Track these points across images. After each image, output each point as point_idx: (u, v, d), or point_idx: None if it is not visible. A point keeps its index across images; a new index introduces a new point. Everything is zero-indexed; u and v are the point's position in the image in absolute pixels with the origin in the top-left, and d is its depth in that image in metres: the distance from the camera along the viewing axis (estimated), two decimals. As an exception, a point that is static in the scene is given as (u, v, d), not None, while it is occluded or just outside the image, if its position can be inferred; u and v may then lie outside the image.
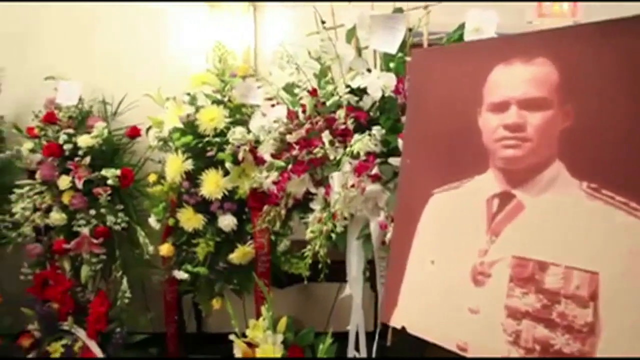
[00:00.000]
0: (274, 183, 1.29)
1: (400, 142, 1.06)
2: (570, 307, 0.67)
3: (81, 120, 1.84)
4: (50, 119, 1.80)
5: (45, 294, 1.75)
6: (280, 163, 1.28)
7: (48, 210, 1.77)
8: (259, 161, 1.46)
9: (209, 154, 1.50)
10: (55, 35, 2.07)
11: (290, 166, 1.25)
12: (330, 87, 1.27)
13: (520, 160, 0.77)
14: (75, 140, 1.73)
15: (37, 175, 1.77)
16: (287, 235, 1.60)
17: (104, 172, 1.73)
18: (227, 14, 1.99)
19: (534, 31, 0.77)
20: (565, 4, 1.83)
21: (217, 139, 1.48)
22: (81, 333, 1.64)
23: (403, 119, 1.15)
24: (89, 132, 1.77)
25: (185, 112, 1.53)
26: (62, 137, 1.73)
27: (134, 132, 1.83)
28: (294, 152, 1.26)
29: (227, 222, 1.52)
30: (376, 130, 1.14)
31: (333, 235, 1.23)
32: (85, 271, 1.76)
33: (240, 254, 1.52)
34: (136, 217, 1.82)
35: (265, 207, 1.31)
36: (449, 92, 0.90)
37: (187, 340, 2.00)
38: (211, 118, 1.50)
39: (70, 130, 1.76)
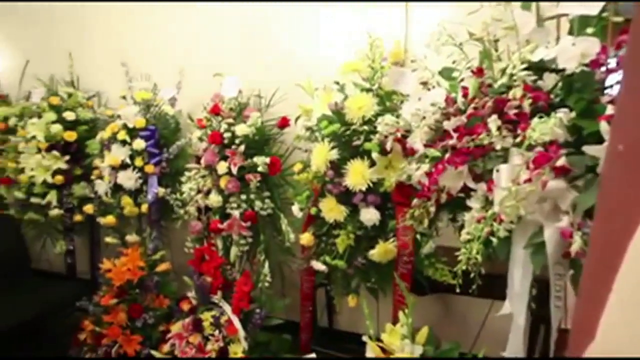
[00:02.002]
0: (426, 175, 1.15)
1: (603, 126, 0.82)
2: None
3: (239, 112, 2.00)
4: (215, 110, 1.99)
5: (202, 267, 1.94)
6: (435, 152, 1.14)
7: (208, 192, 1.97)
8: (407, 152, 1.34)
9: (356, 143, 1.44)
10: (222, 36, 2.31)
11: (447, 156, 1.10)
12: (500, 65, 1.08)
13: None
14: (234, 129, 1.87)
15: (202, 161, 1.98)
16: (432, 236, 1.44)
17: (255, 159, 1.84)
18: (378, 6, 1.93)
19: None
20: None
21: (365, 127, 1.41)
22: (227, 308, 1.75)
23: (603, 98, 0.91)
24: (245, 122, 1.91)
25: (334, 99, 1.50)
26: (223, 126, 1.89)
27: (283, 123, 1.90)
28: (451, 141, 1.10)
29: (369, 215, 1.44)
30: (563, 114, 0.91)
31: (494, 240, 1.03)
32: (234, 251, 1.89)
33: (381, 251, 1.42)
34: (280, 204, 1.89)
35: (415, 201, 1.18)
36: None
37: (317, 333, 2.00)
38: (360, 106, 1.44)
39: (230, 120, 1.92)
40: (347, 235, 1.46)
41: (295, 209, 1.67)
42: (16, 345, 2.19)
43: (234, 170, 1.85)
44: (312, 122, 1.59)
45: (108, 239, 2.25)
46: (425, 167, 1.18)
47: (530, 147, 0.96)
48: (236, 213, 1.84)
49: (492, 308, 1.62)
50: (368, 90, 1.52)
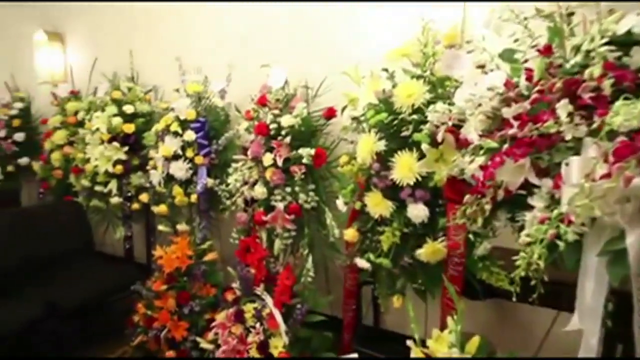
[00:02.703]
0: (481, 168, 1.03)
1: None
2: None
3: (286, 103, 1.96)
4: (261, 101, 1.97)
5: (247, 258, 1.95)
6: (491, 144, 1.01)
7: (254, 184, 1.96)
8: (461, 143, 1.21)
9: (404, 133, 1.34)
10: (270, 27, 2.29)
11: (505, 147, 0.97)
12: (573, 41, 0.93)
13: None
14: (279, 120, 1.84)
15: (249, 152, 1.97)
16: (488, 236, 1.31)
17: (300, 151, 1.79)
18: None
19: None
20: None
21: (415, 117, 1.31)
22: (269, 301, 1.73)
23: None
24: (291, 113, 1.86)
25: (381, 86, 1.41)
26: (269, 117, 1.87)
27: (330, 113, 1.83)
28: (511, 131, 0.97)
29: (417, 212, 1.33)
30: (656, 95, 0.76)
31: (560, 245, 0.89)
32: (277, 244, 1.87)
33: (429, 251, 1.31)
34: (325, 198, 1.83)
35: (467, 197, 1.07)
36: None
37: (362, 332, 1.92)
38: (409, 94, 1.34)
39: (276, 111, 1.88)
40: (392, 233, 1.37)
41: (339, 203, 1.60)
42: (80, 323, 2.36)
43: (279, 162, 1.82)
44: (358, 112, 1.51)
45: (160, 227, 2.33)
46: (480, 159, 1.06)
47: (611, 136, 0.81)
48: (280, 205, 1.81)
49: (557, 319, 1.45)
50: (419, 77, 1.41)
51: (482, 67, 1.14)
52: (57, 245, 2.45)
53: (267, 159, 1.84)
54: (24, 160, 3.37)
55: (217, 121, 2.29)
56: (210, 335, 1.86)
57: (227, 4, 2.44)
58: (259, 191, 1.86)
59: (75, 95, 3.10)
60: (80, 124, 2.82)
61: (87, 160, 2.63)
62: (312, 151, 1.76)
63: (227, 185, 2.03)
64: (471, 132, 1.12)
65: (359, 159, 1.46)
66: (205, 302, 2.03)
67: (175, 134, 2.25)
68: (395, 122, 1.36)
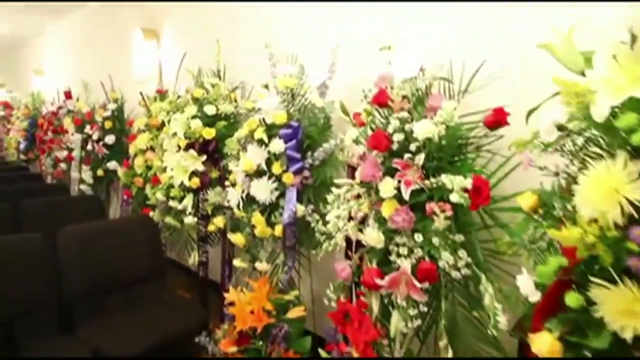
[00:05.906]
0: None
1: None
2: None
3: (418, 101, 1.29)
4: (380, 99, 1.32)
5: (346, 329, 1.32)
6: None
7: (362, 221, 1.32)
8: None
9: None
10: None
11: None
12: None
13: None
14: (410, 128, 1.18)
15: (357, 174, 1.34)
16: None
17: (443, 178, 1.10)
18: None
19: None
20: None
21: None
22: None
23: None
24: (426, 117, 1.19)
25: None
26: (393, 123, 1.22)
27: (498, 119, 1.11)
28: None
29: None
30: None
31: None
32: (396, 321, 1.20)
33: None
34: (483, 258, 1.11)
35: None
36: None
37: None
38: None
39: (404, 114, 1.22)
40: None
41: (522, 280, 0.88)
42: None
43: (406, 194, 1.16)
44: (603, 110, 0.78)
45: (236, 262, 1.81)
46: None
47: None
48: (406, 264, 1.14)
49: None
50: None
51: None
52: (121, 272, 2.05)
53: (387, 187, 1.19)
54: (112, 165, 3.19)
55: (315, 126, 1.71)
56: None
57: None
58: (373, 237, 1.21)
59: (161, 94, 2.79)
60: (163, 126, 2.47)
61: (164, 170, 2.25)
62: (468, 181, 1.06)
63: (321, 219, 1.42)
64: None
65: (586, 211, 0.73)
66: (286, 381, 1.45)
67: (261, 142, 1.72)
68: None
